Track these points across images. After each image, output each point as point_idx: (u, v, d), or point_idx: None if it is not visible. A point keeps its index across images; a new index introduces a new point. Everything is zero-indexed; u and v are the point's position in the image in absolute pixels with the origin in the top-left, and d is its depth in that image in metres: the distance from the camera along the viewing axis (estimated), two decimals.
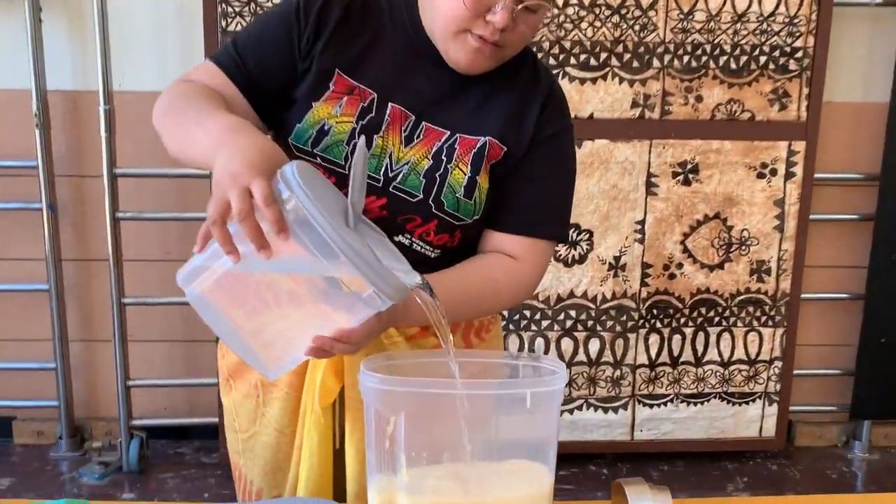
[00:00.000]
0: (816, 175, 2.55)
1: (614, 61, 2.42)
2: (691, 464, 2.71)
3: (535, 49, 2.29)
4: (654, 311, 2.59)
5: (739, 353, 2.65)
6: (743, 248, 2.58)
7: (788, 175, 2.54)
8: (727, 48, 2.45)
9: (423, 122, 1.09)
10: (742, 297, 2.61)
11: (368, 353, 1.04)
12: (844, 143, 2.67)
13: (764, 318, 2.64)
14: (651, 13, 2.41)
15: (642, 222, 2.52)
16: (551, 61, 2.39)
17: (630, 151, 2.46)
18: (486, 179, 1.10)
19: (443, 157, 1.08)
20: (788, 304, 2.63)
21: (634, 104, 2.45)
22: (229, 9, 2.34)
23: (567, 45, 2.40)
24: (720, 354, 2.65)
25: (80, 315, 2.70)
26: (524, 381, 0.88)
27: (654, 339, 2.61)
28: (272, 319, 0.92)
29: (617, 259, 2.54)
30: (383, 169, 1.08)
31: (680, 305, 2.60)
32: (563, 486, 2.54)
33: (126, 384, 2.58)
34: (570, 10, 2.39)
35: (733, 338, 2.64)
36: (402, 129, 1.09)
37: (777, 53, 2.46)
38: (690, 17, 2.42)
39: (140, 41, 2.51)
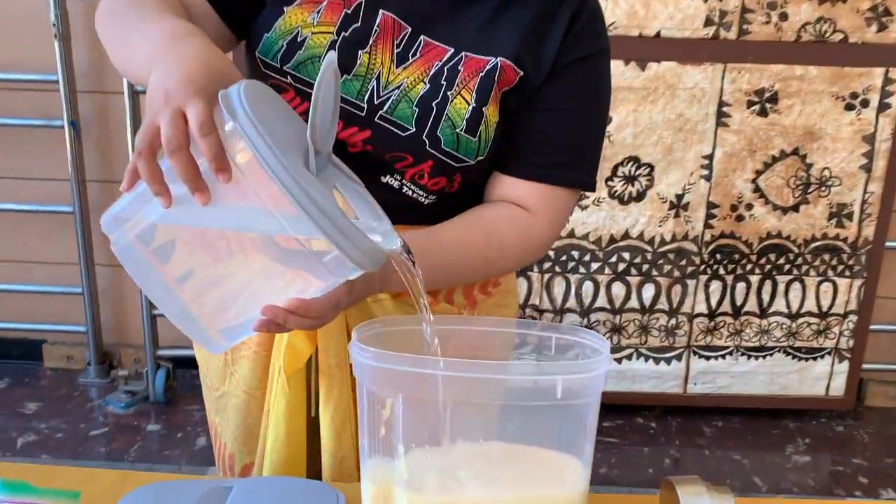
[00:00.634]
0: None
1: None
2: (749, 421, 2.51)
3: None
4: (718, 257, 2.35)
5: (810, 305, 2.41)
6: (822, 188, 2.30)
7: (882, 107, 2.23)
8: None
9: (421, 36, 0.87)
10: (817, 244, 2.35)
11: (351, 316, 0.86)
12: None
13: (841, 268, 2.37)
14: None
15: (710, 157, 2.26)
16: None
17: (700, 76, 2.19)
18: (494, 111, 0.88)
19: (442, 82, 0.87)
20: (870, 253, 2.36)
21: (708, 22, 2.16)
22: None
23: None
24: (788, 305, 2.41)
25: (107, 239, 2.59)
26: (554, 366, 0.69)
27: (715, 286, 2.38)
28: (217, 279, 0.74)
29: (679, 197, 2.29)
30: (368, 94, 0.87)
31: (747, 251, 2.35)
32: (606, 440, 2.38)
33: (152, 313, 2.48)
34: None
35: (804, 288, 2.39)
36: (395, 43, 0.87)
37: None
38: None
39: None
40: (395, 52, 0.87)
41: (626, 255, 2.34)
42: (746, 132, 2.25)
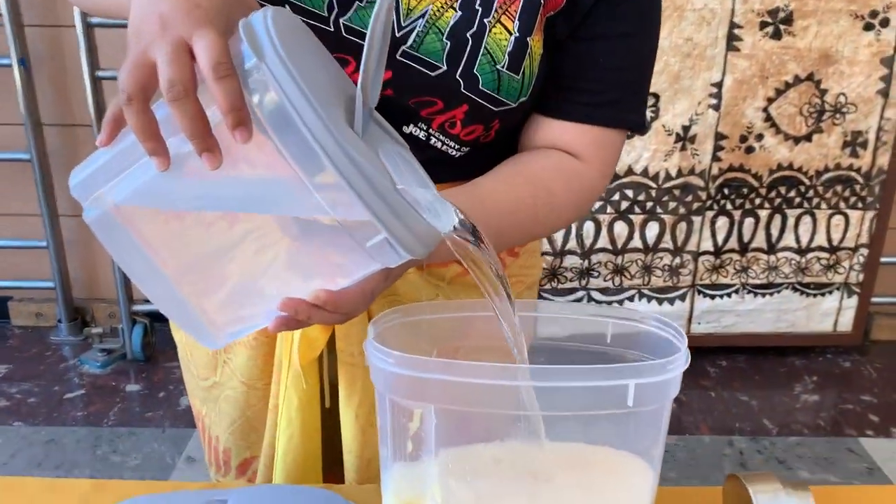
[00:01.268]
0: None
1: None
2: (754, 359, 2.43)
3: None
4: (725, 191, 2.22)
5: (820, 239, 2.30)
6: (837, 116, 2.16)
7: None
8: None
9: None
10: (830, 175, 2.23)
11: None
12: None
13: (853, 199, 2.26)
14: None
15: (719, 84, 2.10)
16: None
17: None
18: (539, 42, 0.73)
19: (477, 7, 0.70)
20: (884, 184, 2.24)
21: None
22: None
23: None
24: (797, 240, 2.30)
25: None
26: (624, 369, 0.56)
27: (722, 222, 2.26)
28: (220, 262, 0.59)
29: (686, 129, 2.14)
30: None
31: (756, 184, 2.23)
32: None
33: None
34: None
35: (815, 221, 2.28)
36: None
37: None
38: None
39: None
40: None
41: (630, 193, 2.20)
42: (758, 57, 2.09)
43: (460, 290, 0.84)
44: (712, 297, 2.35)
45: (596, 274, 2.30)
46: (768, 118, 2.15)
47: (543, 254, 2.25)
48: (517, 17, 0.70)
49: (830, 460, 1.98)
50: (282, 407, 0.83)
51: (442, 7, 0.69)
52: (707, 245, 2.28)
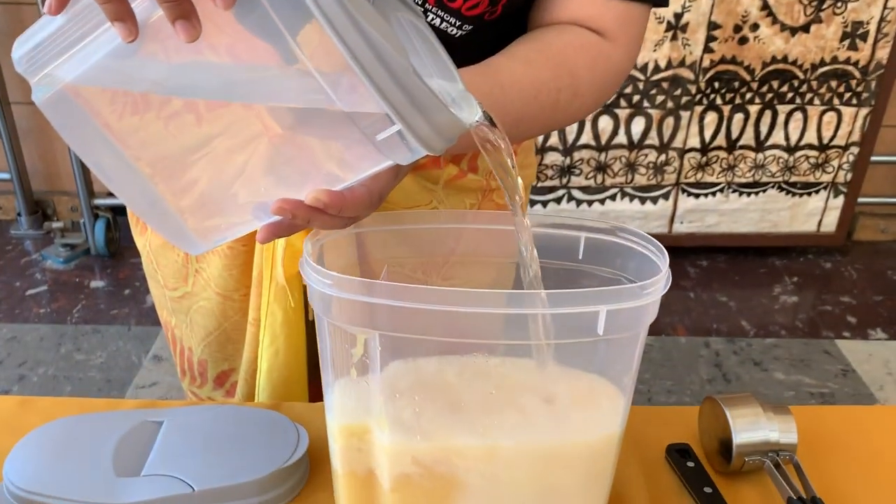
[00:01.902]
0: None
1: None
2: (735, 260, 2.39)
3: None
4: (716, 85, 2.12)
5: (810, 137, 2.22)
6: (838, 4, 2.04)
7: None
8: None
9: None
10: (826, 69, 2.12)
11: None
12: None
13: (848, 95, 2.16)
14: None
15: None
16: None
17: None
18: None
19: None
20: (881, 79, 2.14)
21: None
22: None
23: None
24: (787, 138, 2.22)
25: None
26: (594, 294, 0.48)
27: (710, 118, 2.17)
28: (201, 154, 0.50)
29: (678, 17, 2.01)
30: None
31: (748, 77, 2.12)
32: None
33: None
34: None
35: (806, 118, 2.19)
36: None
37: None
38: None
39: None
40: None
41: None
42: None
43: (455, 195, 0.76)
44: (697, 196, 2.28)
45: (578, 171, 2.21)
46: (765, 6, 2.02)
47: None
48: None
49: (806, 362, 1.97)
50: (264, 322, 0.76)
51: None
52: (694, 142, 2.20)
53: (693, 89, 2.11)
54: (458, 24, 0.65)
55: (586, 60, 0.65)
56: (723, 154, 2.22)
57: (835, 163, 2.26)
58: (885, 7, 2.04)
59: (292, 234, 0.59)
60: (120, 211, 2.28)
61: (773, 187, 2.28)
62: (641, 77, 2.08)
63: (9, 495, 0.62)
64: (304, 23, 0.39)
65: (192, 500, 0.61)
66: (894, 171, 2.47)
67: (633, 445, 0.69)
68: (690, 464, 0.67)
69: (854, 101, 2.17)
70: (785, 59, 2.10)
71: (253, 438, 0.66)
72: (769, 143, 2.22)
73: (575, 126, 2.13)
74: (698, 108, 2.14)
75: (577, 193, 2.24)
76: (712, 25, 2.03)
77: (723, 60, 2.08)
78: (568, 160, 2.19)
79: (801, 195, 2.30)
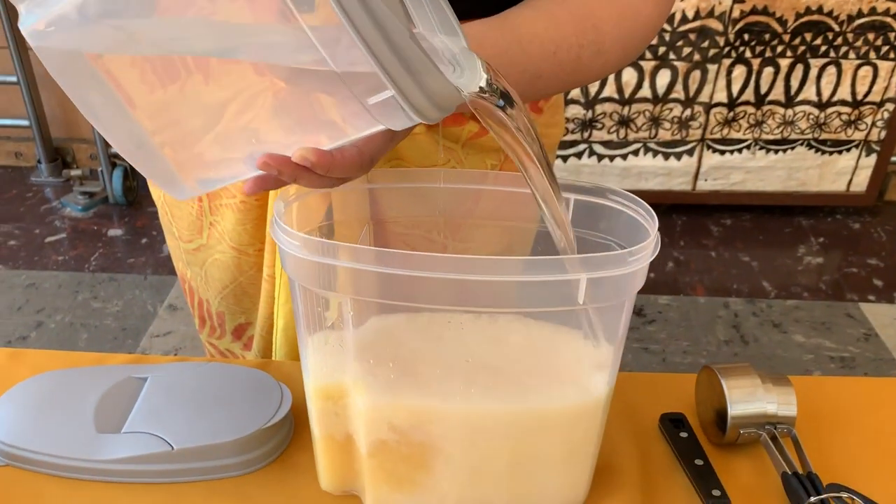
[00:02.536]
0: None
1: None
2: (760, 219, 2.33)
3: None
4: (745, 37, 2.04)
5: (843, 93, 2.13)
6: None
7: None
8: None
9: None
10: (863, 20, 2.03)
11: None
12: None
13: (885, 49, 2.07)
14: None
15: None
16: None
17: None
18: None
19: None
20: None
21: None
22: None
23: None
24: (818, 93, 2.13)
25: None
26: (574, 260, 0.45)
27: (738, 71, 2.09)
28: (194, 103, 0.47)
29: None
30: None
31: (779, 29, 2.03)
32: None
33: None
34: None
35: (840, 72, 2.10)
36: None
37: None
38: None
39: None
40: None
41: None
42: None
43: (475, 154, 0.72)
44: (722, 152, 2.21)
45: (600, 126, 2.16)
46: None
47: None
48: None
49: (828, 325, 1.93)
50: (279, 279, 0.75)
51: None
52: (721, 96, 2.13)
53: (721, 41, 2.03)
54: None
55: (613, 15, 0.60)
56: (750, 109, 2.15)
57: (868, 120, 2.17)
58: None
59: (279, 188, 0.57)
60: None
61: (801, 144, 2.21)
62: (668, 28, 2.00)
63: None
64: None
65: (171, 459, 0.61)
66: None
67: (625, 414, 0.67)
68: (683, 434, 0.65)
69: (892, 55, 2.08)
70: (819, 10, 2.01)
71: (236, 397, 0.65)
72: (799, 98, 2.14)
73: (597, 82, 2.07)
74: (726, 62, 2.07)
75: (598, 148, 2.19)
76: None
77: (753, 11, 2.00)
78: (590, 113, 2.13)
79: (831, 153, 2.23)
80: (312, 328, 0.53)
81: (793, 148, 2.21)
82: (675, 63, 2.06)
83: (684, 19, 2.00)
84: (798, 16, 2.01)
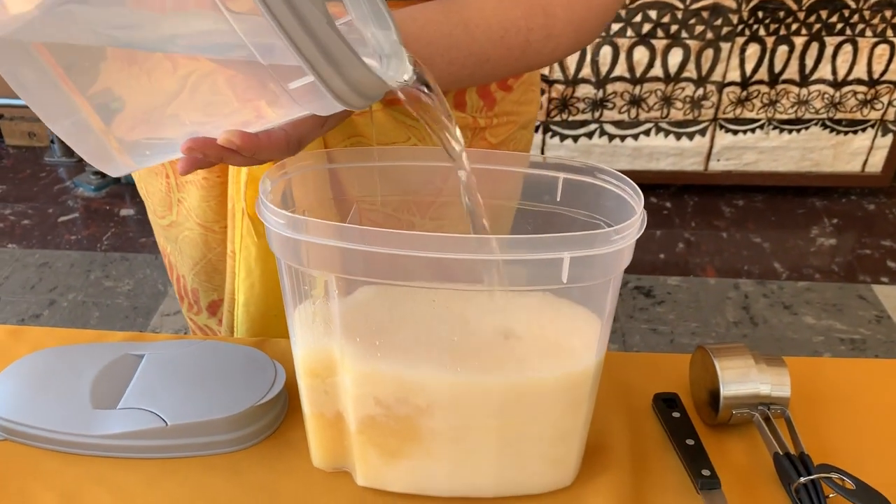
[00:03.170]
0: None
1: None
2: (772, 200, 2.31)
3: None
4: (760, 14, 2.01)
5: (859, 71, 2.10)
6: None
7: None
8: None
9: None
10: None
11: None
12: None
13: None
14: None
15: None
16: None
17: None
18: None
19: None
20: None
21: None
22: None
23: None
24: (834, 71, 2.10)
25: None
26: (557, 239, 0.45)
27: (752, 50, 2.06)
28: (127, 77, 0.47)
29: None
30: None
31: (794, 7, 2.00)
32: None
33: None
34: None
35: (856, 51, 2.07)
36: None
37: None
38: None
39: None
40: None
41: (653, 14, 1.99)
42: None
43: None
44: (735, 132, 2.19)
45: (611, 105, 2.14)
46: None
47: (553, 82, 2.09)
48: None
49: (839, 307, 1.92)
50: (239, 256, 0.75)
51: None
52: (734, 75, 2.10)
53: (735, 19, 2.00)
54: None
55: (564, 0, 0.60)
56: (764, 89, 2.12)
57: (885, 99, 2.14)
58: None
59: (212, 167, 0.57)
60: None
61: (816, 124, 2.18)
62: (680, 6, 1.98)
63: None
64: None
65: (164, 435, 0.61)
66: None
67: (619, 393, 0.67)
68: (676, 414, 0.65)
69: None
70: None
71: (231, 375, 0.66)
72: (814, 77, 2.11)
73: (608, 57, 2.05)
74: (740, 40, 2.04)
75: (609, 128, 2.18)
76: None
77: None
78: (601, 93, 2.11)
79: (845, 133, 2.20)
80: (298, 302, 0.53)
81: (807, 128, 2.19)
82: (688, 41, 2.04)
83: None
84: None
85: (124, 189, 2.30)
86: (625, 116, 2.16)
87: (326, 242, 0.47)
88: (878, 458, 0.62)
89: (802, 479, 0.56)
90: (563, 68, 2.07)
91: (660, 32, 2.02)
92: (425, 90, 0.47)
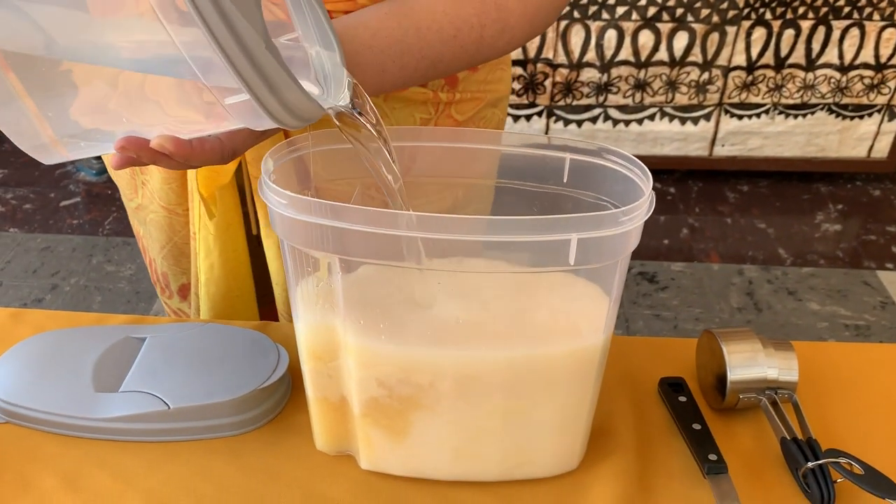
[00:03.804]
0: None
1: None
2: (777, 185, 2.29)
3: None
4: None
5: (866, 55, 2.08)
6: None
7: None
8: None
9: None
10: None
11: None
12: None
13: None
14: None
15: None
16: None
17: None
18: None
19: None
20: None
21: None
22: None
23: None
24: (841, 56, 2.08)
25: None
26: (564, 221, 0.44)
27: (758, 34, 2.04)
28: (63, 72, 0.47)
29: None
30: None
31: None
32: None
33: None
34: None
35: (863, 35, 2.05)
36: None
37: None
38: None
39: None
40: None
41: None
42: None
43: (402, 108, 0.70)
44: (740, 117, 2.17)
45: (615, 90, 2.12)
46: None
47: (557, 66, 2.07)
48: None
49: (843, 293, 1.91)
50: (198, 235, 0.75)
51: None
52: (740, 59, 2.08)
53: (741, 2, 1.99)
54: None
55: None
56: (770, 73, 2.10)
57: (892, 84, 2.12)
58: None
59: (135, 166, 0.57)
60: None
61: (822, 109, 2.17)
62: None
63: None
64: None
65: (167, 418, 0.61)
66: None
67: (625, 378, 0.67)
68: (682, 398, 0.64)
69: None
70: None
71: (233, 358, 0.65)
72: (821, 61, 2.09)
73: (613, 41, 2.03)
74: (746, 24, 2.02)
75: (613, 113, 2.16)
76: None
77: None
78: (605, 77, 2.10)
79: (852, 118, 2.18)
80: (300, 278, 0.52)
81: (813, 113, 2.17)
82: (693, 25, 2.02)
83: None
84: None
85: None
86: (629, 101, 2.14)
87: (333, 224, 0.46)
88: (885, 443, 0.61)
89: (810, 464, 0.56)
90: (568, 52, 2.05)
91: (665, 16, 2.00)
92: (359, 118, 0.47)
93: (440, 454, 0.56)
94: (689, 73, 2.09)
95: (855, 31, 2.04)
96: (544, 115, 2.15)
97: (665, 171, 2.29)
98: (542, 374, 0.52)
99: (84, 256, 1.96)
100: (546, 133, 2.18)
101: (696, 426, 0.61)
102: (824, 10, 2.01)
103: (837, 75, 2.11)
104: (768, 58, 2.08)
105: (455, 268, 0.47)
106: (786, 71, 2.10)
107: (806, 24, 2.03)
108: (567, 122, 2.17)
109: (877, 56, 2.08)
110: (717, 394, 0.63)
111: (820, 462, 0.56)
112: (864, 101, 2.15)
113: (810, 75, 2.11)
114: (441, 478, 0.57)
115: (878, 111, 2.17)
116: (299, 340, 0.55)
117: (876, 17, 2.02)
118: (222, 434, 0.62)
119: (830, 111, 2.17)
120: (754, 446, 0.61)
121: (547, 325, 0.54)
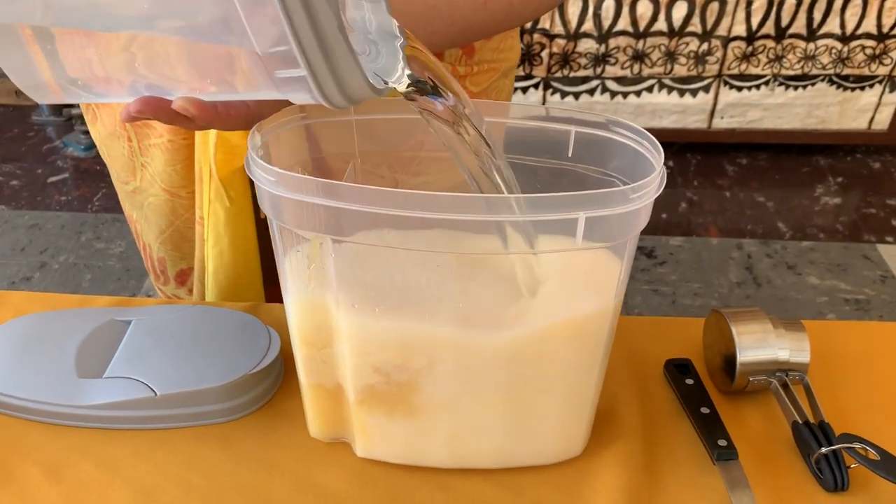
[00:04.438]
0: None
1: None
2: (777, 158, 2.27)
3: None
4: None
5: (868, 25, 2.04)
6: None
7: None
8: None
9: None
10: None
11: None
12: None
13: None
14: None
15: None
16: None
17: None
18: None
19: None
20: None
21: None
22: None
23: None
24: (842, 25, 2.05)
25: None
26: (572, 198, 0.42)
27: (758, 3, 2.00)
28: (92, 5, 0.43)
29: None
30: None
31: None
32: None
33: None
34: None
35: (865, 3, 2.01)
36: None
37: None
38: None
39: None
40: None
41: None
42: None
43: None
44: (739, 88, 2.14)
45: (613, 61, 2.08)
46: None
47: (554, 36, 2.03)
48: None
49: (843, 267, 1.89)
50: (207, 222, 0.72)
51: None
52: (739, 29, 2.04)
53: None
54: None
55: None
56: (770, 43, 2.06)
57: (894, 54, 2.09)
58: None
59: (143, 120, 0.54)
60: None
61: (822, 80, 2.13)
62: None
63: None
64: None
65: (153, 405, 0.58)
66: None
67: (629, 359, 0.64)
68: (689, 381, 0.62)
69: None
70: None
71: (223, 342, 0.63)
72: (822, 31, 2.05)
73: (611, 11, 1.99)
74: None
75: (611, 84, 2.12)
76: None
77: None
78: (602, 48, 2.06)
79: (853, 89, 2.15)
80: (287, 250, 0.49)
81: (813, 84, 2.14)
82: None
83: None
84: None
85: None
86: (627, 72, 2.10)
87: (323, 202, 0.43)
88: None
89: (823, 450, 0.54)
90: (565, 22, 2.01)
91: None
92: (432, 97, 0.43)
93: (439, 441, 0.54)
94: (688, 44, 2.05)
95: (857, 1, 2.00)
96: (541, 87, 2.12)
97: (663, 143, 2.25)
98: (549, 348, 0.49)
99: (73, 233, 1.93)
100: (544, 105, 2.14)
101: (705, 410, 0.59)
102: None
103: (839, 45, 2.07)
104: (769, 28, 2.04)
105: (454, 248, 0.44)
106: (786, 41, 2.06)
107: None
108: (564, 95, 2.13)
109: (879, 26, 2.04)
110: (726, 376, 0.61)
111: (834, 447, 0.54)
112: (866, 71, 2.12)
113: (811, 45, 2.07)
114: (440, 465, 0.55)
115: (880, 82, 2.14)
116: (290, 320, 0.53)
117: None
118: (211, 421, 0.59)
119: (831, 82, 2.13)
120: (764, 431, 0.59)
121: (554, 296, 0.51)
